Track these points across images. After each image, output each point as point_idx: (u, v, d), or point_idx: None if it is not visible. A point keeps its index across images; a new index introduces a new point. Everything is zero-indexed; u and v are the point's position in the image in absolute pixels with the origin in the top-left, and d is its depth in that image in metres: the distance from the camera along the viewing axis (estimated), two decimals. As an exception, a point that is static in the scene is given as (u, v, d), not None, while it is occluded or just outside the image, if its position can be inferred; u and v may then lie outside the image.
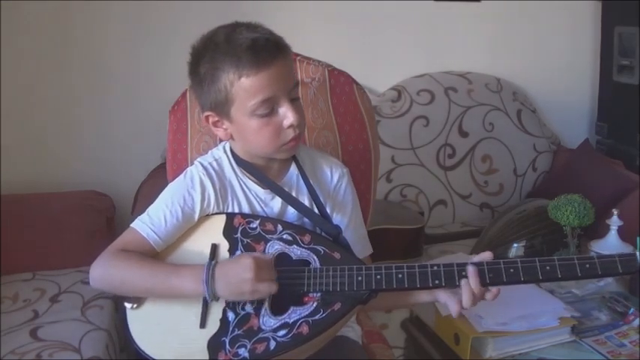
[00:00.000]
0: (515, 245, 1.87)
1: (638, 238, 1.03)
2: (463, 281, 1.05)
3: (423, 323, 1.61)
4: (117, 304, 1.75)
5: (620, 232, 1.67)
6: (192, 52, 1.12)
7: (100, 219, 2.09)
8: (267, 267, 1.06)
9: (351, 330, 1.31)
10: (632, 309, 1.53)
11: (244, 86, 1.07)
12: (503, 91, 2.52)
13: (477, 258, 1.08)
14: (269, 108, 1.09)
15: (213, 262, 1.07)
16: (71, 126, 2.27)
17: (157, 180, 1.91)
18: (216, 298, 1.06)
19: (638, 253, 1.02)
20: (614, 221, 1.67)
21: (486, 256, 1.08)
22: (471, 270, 1.05)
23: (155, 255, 1.13)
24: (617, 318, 1.53)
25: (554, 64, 2.65)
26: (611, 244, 1.66)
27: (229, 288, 1.05)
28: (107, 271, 1.10)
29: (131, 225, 1.14)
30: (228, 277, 1.05)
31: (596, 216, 1.70)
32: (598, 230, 1.73)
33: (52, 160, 2.26)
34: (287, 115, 1.10)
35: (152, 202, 1.17)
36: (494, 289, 1.06)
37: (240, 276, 1.04)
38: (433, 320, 1.55)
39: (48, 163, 2.26)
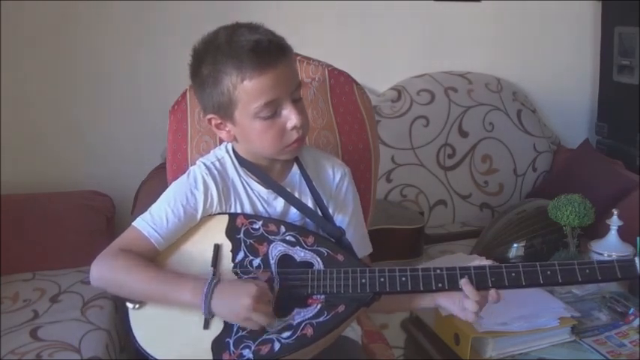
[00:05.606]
0: (515, 245, 1.87)
1: (637, 239, 1.03)
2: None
3: (423, 323, 1.61)
4: (117, 304, 1.75)
5: (620, 232, 1.67)
6: (194, 54, 1.12)
7: (100, 219, 2.09)
8: (267, 298, 1.05)
9: (351, 330, 1.31)
10: (632, 309, 1.53)
11: (247, 89, 1.06)
12: (503, 91, 2.51)
13: (476, 262, 1.09)
14: (272, 110, 1.09)
15: (215, 280, 1.06)
16: (71, 126, 2.26)
17: (157, 180, 1.91)
18: (212, 316, 1.06)
19: (636, 258, 1.03)
20: (614, 221, 1.67)
21: (484, 261, 1.10)
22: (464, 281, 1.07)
23: (157, 253, 1.12)
24: (617, 318, 1.53)
25: (554, 64, 2.65)
26: (611, 244, 1.67)
27: (226, 309, 1.04)
28: (106, 273, 1.10)
29: (133, 223, 1.14)
30: (228, 298, 1.04)
31: (596, 216, 1.70)
32: (598, 230, 1.73)
33: (52, 160, 2.26)
34: (290, 116, 1.10)
35: (152, 202, 1.16)
36: (493, 293, 1.07)
37: (239, 300, 1.03)
38: (433, 320, 1.55)
39: (48, 163, 2.25)
